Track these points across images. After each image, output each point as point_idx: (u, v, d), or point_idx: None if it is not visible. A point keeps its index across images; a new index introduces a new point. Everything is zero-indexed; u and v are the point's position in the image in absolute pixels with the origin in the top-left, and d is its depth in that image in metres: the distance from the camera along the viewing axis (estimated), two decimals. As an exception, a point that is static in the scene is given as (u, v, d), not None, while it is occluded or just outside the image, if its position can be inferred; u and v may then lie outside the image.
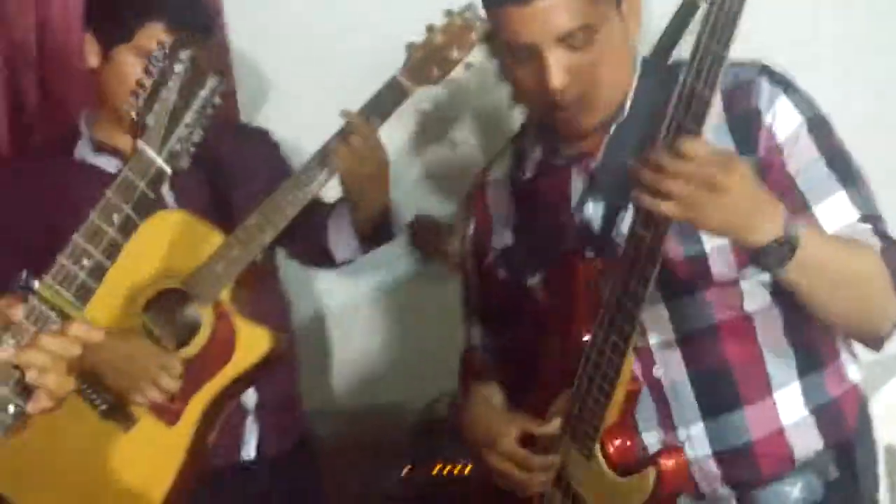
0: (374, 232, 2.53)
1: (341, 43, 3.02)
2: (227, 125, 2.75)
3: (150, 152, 1.77)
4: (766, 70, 1.95)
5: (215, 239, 2.40)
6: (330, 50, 3.03)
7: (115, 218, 1.74)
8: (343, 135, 2.40)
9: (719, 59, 1.64)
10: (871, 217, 1.92)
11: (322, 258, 2.64)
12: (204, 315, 2.39)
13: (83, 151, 2.52)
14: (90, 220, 1.73)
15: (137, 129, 1.78)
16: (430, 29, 2.45)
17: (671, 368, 1.96)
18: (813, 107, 1.95)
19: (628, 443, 1.93)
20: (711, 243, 1.91)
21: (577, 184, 2.03)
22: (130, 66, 2.38)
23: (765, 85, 1.93)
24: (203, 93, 1.80)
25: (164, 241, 2.38)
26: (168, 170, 1.79)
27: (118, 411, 2.37)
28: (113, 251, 1.75)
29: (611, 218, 1.98)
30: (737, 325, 1.96)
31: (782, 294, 1.88)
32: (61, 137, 2.55)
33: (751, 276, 1.93)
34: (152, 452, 2.37)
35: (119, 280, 2.37)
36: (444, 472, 2.87)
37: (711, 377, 1.96)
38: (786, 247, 1.72)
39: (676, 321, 1.96)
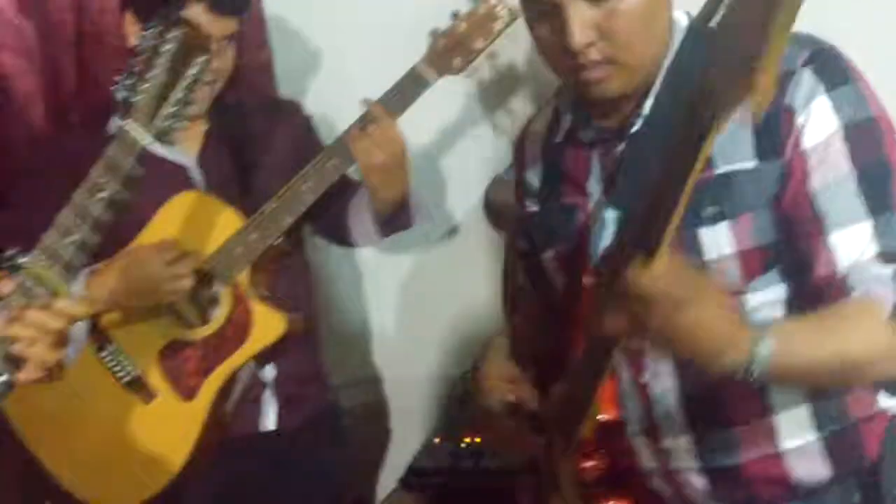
0: (393, 219, 2.55)
1: (386, 9, 3.00)
2: (259, 99, 2.78)
3: (137, 131, 1.83)
4: (815, 58, 1.70)
5: (235, 222, 2.45)
6: (376, 17, 3.02)
7: (101, 196, 1.81)
8: (362, 123, 2.42)
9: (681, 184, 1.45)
10: None
11: (343, 239, 2.68)
12: (223, 296, 2.45)
13: (116, 125, 2.54)
14: (75, 198, 1.80)
15: (124, 109, 1.84)
16: (455, 16, 2.43)
17: (661, 377, 1.84)
18: (861, 109, 1.70)
19: (589, 463, 1.87)
20: (712, 254, 1.74)
21: (595, 170, 1.87)
22: None
23: (806, 78, 1.69)
24: (191, 71, 1.85)
25: (187, 222, 2.44)
26: (160, 147, 1.88)
27: (139, 383, 2.46)
28: (99, 229, 1.81)
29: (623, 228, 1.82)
30: None
31: (798, 312, 1.72)
32: (96, 114, 2.60)
33: (761, 290, 1.76)
34: (170, 425, 2.45)
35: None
36: (472, 443, 2.91)
37: (703, 392, 1.81)
38: (754, 366, 1.57)
39: None
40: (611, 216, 1.84)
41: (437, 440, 2.99)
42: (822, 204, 1.69)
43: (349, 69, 3.00)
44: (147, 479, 2.46)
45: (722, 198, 1.73)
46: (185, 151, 2.56)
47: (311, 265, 2.86)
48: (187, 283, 2.37)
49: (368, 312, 3.28)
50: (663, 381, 1.85)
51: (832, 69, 1.70)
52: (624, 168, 1.83)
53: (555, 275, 1.99)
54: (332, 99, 2.86)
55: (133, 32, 2.48)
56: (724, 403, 1.82)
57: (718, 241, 1.73)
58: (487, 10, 2.42)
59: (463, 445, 2.91)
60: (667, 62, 1.79)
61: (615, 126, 1.84)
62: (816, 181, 1.69)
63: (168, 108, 1.84)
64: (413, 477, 2.90)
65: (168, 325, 2.46)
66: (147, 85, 1.83)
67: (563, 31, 1.71)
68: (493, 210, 2.93)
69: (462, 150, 3.06)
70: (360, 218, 2.58)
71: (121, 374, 2.47)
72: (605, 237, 1.84)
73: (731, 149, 1.71)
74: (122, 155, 1.83)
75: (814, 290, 1.70)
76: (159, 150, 2.47)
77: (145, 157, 1.84)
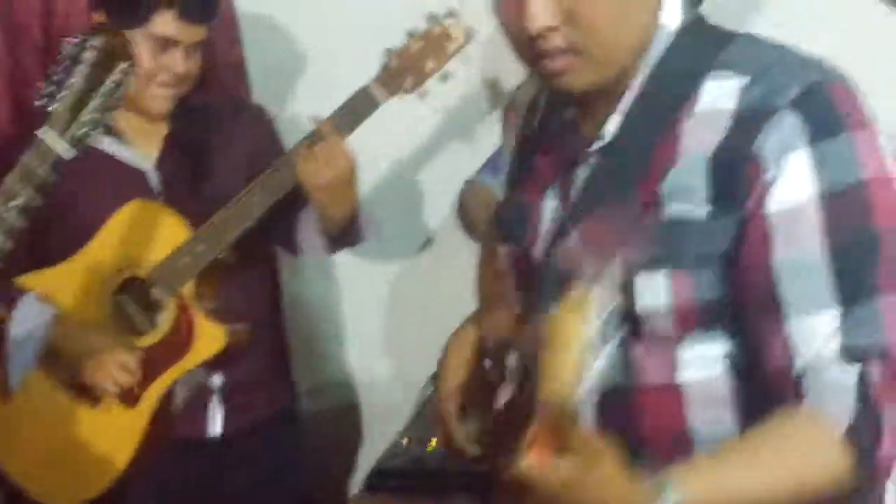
0: (341, 235, 2.54)
1: (374, 11, 2.98)
2: (225, 101, 2.78)
3: (51, 139, 1.85)
4: (807, 97, 1.39)
5: (184, 232, 2.46)
6: (364, 18, 3.01)
7: (15, 203, 1.83)
8: (309, 141, 2.42)
9: None
10: (870, 350, 1.37)
11: (291, 249, 2.68)
12: (167, 306, 2.46)
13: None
14: None
15: (43, 118, 1.86)
16: (410, 34, 2.42)
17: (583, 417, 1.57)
18: (850, 171, 1.39)
19: None
20: (644, 302, 1.48)
21: (556, 180, 1.60)
22: (142, 51, 2.42)
23: (788, 122, 1.39)
24: (112, 78, 1.85)
25: (135, 230, 2.45)
26: (68, 155, 1.86)
27: (85, 391, 2.48)
28: (13, 236, 1.84)
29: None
30: (661, 396, 1.51)
31: (742, 371, 1.47)
32: None
33: (699, 344, 1.49)
34: (114, 429, 2.48)
35: (89, 265, 2.47)
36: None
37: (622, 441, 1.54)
38: None
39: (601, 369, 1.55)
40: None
41: (404, 442, 2.98)
42: (784, 286, 1.40)
43: (336, 71, 3.00)
44: (90, 480, 2.50)
45: (665, 243, 1.45)
46: (145, 155, 2.57)
47: (281, 271, 2.87)
48: (114, 389, 2.41)
49: (343, 317, 3.29)
50: (585, 420, 1.61)
51: (824, 114, 1.40)
52: (578, 195, 1.57)
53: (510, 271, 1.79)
54: (319, 101, 2.86)
55: None
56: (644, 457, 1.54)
57: (654, 289, 1.47)
58: (442, 31, 2.40)
59: (430, 448, 2.90)
60: (647, 64, 1.52)
61: (584, 133, 1.58)
62: (779, 256, 1.40)
63: (86, 116, 1.86)
64: (377, 478, 2.89)
65: (115, 332, 2.48)
66: (65, 93, 1.85)
67: (521, 9, 1.47)
68: (465, 215, 2.91)
69: (439, 160, 3.06)
70: (308, 233, 2.57)
71: (67, 382, 2.49)
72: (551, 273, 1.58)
73: (686, 185, 1.45)
74: (36, 163, 1.85)
75: (764, 382, 1.45)
76: (122, 152, 2.53)
77: (62, 164, 1.86)
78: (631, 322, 1.48)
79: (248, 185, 2.45)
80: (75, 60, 1.85)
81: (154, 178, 2.57)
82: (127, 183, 2.54)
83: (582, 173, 1.56)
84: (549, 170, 1.62)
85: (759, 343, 1.44)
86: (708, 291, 1.45)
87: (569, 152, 1.59)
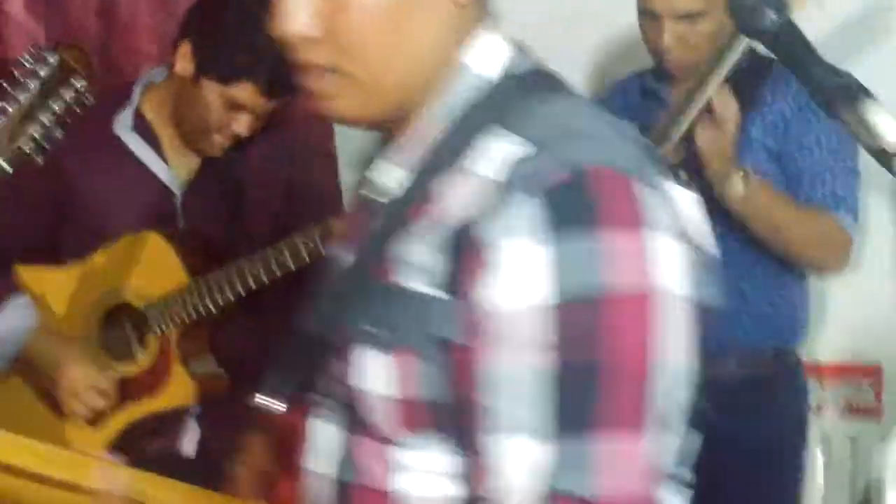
0: None
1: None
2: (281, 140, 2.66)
3: None
4: (565, 185, 1.12)
5: (181, 277, 2.40)
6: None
7: None
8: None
9: None
10: (571, 495, 1.12)
11: None
12: (150, 344, 2.41)
13: (123, 123, 2.48)
14: None
15: None
16: None
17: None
18: (590, 276, 1.11)
19: None
20: (354, 382, 1.22)
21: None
22: (213, 105, 2.39)
23: (528, 210, 1.12)
24: (67, 93, 1.83)
25: (141, 260, 2.42)
26: (9, 169, 1.84)
27: (51, 399, 2.45)
28: None
29: None
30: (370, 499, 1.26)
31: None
32: (111, 94, 2.50)
33: (420, 450, 1.22)
34: (73, 441, 2.43)
35: (88, 278, 2.45)
36: None
37: None
38: None
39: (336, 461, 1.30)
40: None
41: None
42: (492, 396, 1.14)
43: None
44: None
45: (385, 316, 1.21)
46: (177, 176, 2.50)
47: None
48: (81, 411, 2.39)
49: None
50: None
51: (577, 207, 1.12)
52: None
53: None
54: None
55: (185, 60, 2.39)
56: None
57: (366, 369, 1.22)
58: None
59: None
60: (440, 104, 1.24)
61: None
62: (490, 362, 1.14)
63: (32, 132, 1.83)
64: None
65: (95, 351, 2.44)
66: (12, 109, 1.82)
67: (278, 11, 1.23)
68: None
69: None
70: None
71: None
72: None
73: (417, 243, 1.20)
74: None
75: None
76: (154, 164, 2.46)
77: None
78: (361, 405, 1.23)
79: (254, 256, 2.36)
80: (29, 76, 1.83)
81: (179, 202, 2.50)
82: (154, 200, 2.49)
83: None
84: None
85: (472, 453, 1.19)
86: (430, 387, 1.19)
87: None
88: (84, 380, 2.39)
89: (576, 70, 2.74)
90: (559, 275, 1.11)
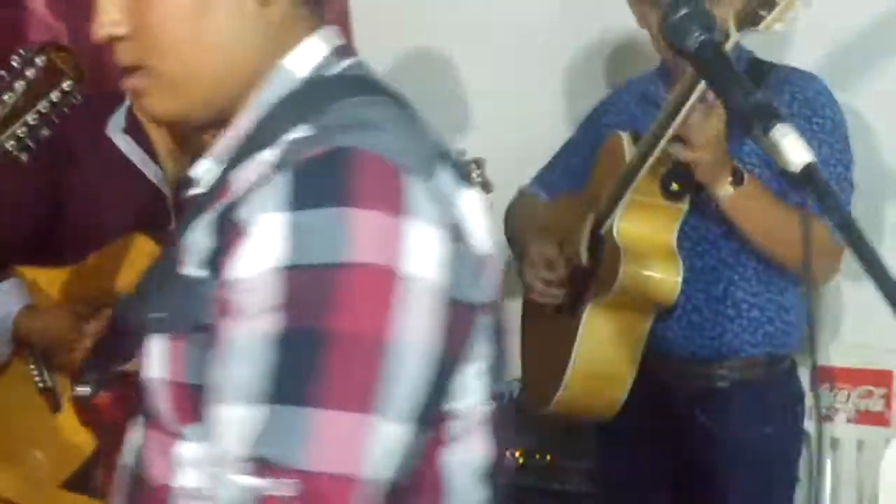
0: None
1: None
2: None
3: None
4: (320, 160, 1.15)
5: None
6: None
7: None
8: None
9: None
10: (278, 466, 1.11)
11: None
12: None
13: (114, 124, 2.50)
14: None
15: None
16: None
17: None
18: (326, 248, 1.12)
19: None
20: (141, 368, 1.25)
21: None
22: None
23: (280, 183, 1.15)
24: (54, 94, 1.86)
25: (128, 262, 2.43)
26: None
27: (51, 393, 2.51)
28: None
29: None
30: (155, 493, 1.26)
31: None
32: (106, 96, 2.46)
33: (197, 442, 1.22)
34: (65, 438, 2.46)
35: (80, 281, 2.49)
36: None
37: None
38: None
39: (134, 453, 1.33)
40: None
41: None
42: (224, 366, 1.15)
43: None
44: (43, 478, 2.51)
45: (168, 303, 1.24)
46: (169, 180, 2.53)
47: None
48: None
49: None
50: None
51: (325, 182, 1.14)
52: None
53: None
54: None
55: None
56: None
57: (152, 355, 1.24)
58: None
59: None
60: (255, 101, 1.28)
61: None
62: (228, 333, 1.15)
63: (16, 130, 1.87)
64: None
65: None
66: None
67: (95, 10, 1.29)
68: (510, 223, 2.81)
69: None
70: None
71: (38, 380, 2.53)
72: None
73: (199, 228, 1.23)
74: None
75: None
76: (147, 167, 2.47)
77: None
78: (148, 393, 1.24)
79: None
80: (16, 76, 1.86)
81: (171, 206, 2.52)
82: (145, 201, 2.50)
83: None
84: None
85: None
86: (198, 372, 1.20)
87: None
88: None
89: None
90: (293, 240, 1.12)
